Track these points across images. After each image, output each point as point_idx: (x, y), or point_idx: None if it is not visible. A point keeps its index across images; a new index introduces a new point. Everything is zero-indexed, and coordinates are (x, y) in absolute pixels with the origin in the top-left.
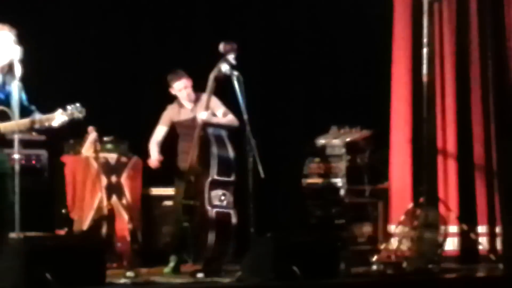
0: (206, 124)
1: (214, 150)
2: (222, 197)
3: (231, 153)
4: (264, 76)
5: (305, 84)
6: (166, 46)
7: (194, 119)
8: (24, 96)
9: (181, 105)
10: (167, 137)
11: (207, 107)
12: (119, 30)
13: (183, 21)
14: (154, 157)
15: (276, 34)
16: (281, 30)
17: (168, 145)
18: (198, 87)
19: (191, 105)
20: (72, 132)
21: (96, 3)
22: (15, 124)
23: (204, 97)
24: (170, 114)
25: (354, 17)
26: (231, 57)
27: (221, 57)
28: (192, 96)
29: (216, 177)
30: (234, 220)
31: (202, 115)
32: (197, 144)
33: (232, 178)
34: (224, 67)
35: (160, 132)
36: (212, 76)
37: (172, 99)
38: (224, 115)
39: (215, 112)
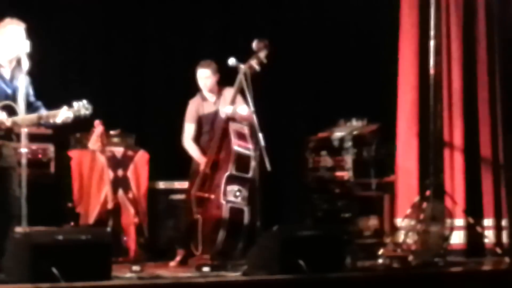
0: (230, 119)
1: (235, 145)
2: (237, 193)
3: (251, 150)
4: (270, 69)
5: (311, 77)
6: (174, 38)
7: (217, 113)
8: (31, 91)
9: (204, 98)
10: (179, 131)
11: (233, 102)
12: (126, 23)
13: (192, 12)
14: (198, 156)
15: (283, 27)
16: (287, 23)
17: (180, 139)
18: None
19: (214, 98)
20: (79, 126)
21: None
22: (20, 119)
23: (227, 91)
24: (194, 109)
25: (361, 10)
26: (262, 55)
27: (252, 53)
28: (215, 89)
29: (234, 172)
30: (246, 217)
31: (227, 109)
32: (219, 137)
33: (249, 175)
34: (251, 64)
35: (190, 129)
36: (242, 73)
37: (183, 92)
38: (247, 113)
39: (238, 109)
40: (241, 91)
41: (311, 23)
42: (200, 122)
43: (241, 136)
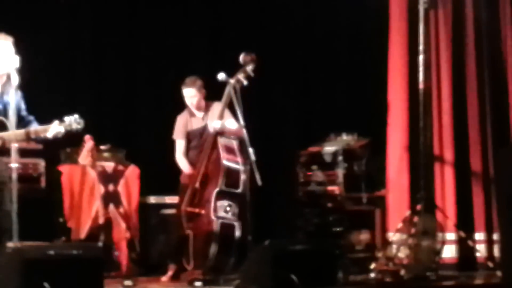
0: (218, 133)
1: (224, 159)
2: (228, 208)
3: (241, 165)
4: (261, 84)
5: (301, 92)
6: (164, 54)
7: (205, 128)
8: (23, 106)
9: (191, 114)
10: (170, 145)
11: (221, 116)
12: (116, 38)
13: (182, 27)
14: (192, 172)
15: (273, 43)
16: (277, 39)
17: (171, 154)
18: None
19: (202, 113)
20: (69, 141)
21: (93, 12)
22: (11, 135)
23: (215, 106)
24: (182, 125)
25: (351, 24)
26: (249, 68)
27: (240, 67)
28: (202, 105)
29: (223, 188)
30: (237, 232)
31: (216, 124)
32: (208, 152)
33: (239, 190)
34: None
35: (181, 145)
36: (229, 87)
37: (174, 107)
38: (235, 127)
39: (226, 123)
40: (230, 105)
41: (301, 38)
42: (188, 137)
43: (230, 150)
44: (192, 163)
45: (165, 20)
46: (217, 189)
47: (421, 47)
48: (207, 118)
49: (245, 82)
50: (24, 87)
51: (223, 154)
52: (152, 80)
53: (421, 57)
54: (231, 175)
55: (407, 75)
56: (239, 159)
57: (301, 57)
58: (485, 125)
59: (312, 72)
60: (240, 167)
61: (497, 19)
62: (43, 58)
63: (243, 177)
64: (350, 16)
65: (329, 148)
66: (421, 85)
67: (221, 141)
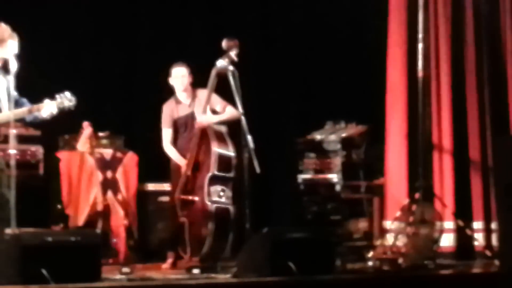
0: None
1: (214, 146)
2: (221, 193)
3: (231, 149)
4: (259, 72)
5: (300, 80)
6: (163, 40)
7: (192, 115)
8: (14, 90)
9: (178, 101)
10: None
11: (207, 103)
12: (115, 24)
13: (181, 14)
14: (178, 158)
15: (271, 30)
16: (276, 25)
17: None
18: (197, 83)
19: (189, 99)
20: (67, 128)
21: None
22: (4, 116)
23: (201, 93)
24: (169, 113)
25: (350, 12)
26: (233, 54)
27: (223, 53)
28: (189, 90)
29: (216, 172)
30: (232, 216)
31: (201, 119)
32: (197, 140)
33: (231, 174)
34: (223, 63)
35: (167, 134)
36: (214, 72)
37: (168, 95)
38: (223, 109)
39: (215, 107)
40: (229, 93)
41: (300, 25)
42: (175, 125)
43: (219, 136)
44: (181, 151)
45: (166, 8)
46: (209, 174)
47: (420, 35)
48: (194, 106)
49: (230, 68)
50: (20, 72)
51: (213, 141)
52: (151, 67)
53: (420, 45)
54: (223, 161)
55: (406, 63)
56: (229, 144)
57: (301, 45)
58: (484, 114)
59: (311, 60)
60: (231, 152)
61: (496, 7)
62: (42, 44)
63: (234, 162)
64: (349, 3)
65: (327, 136)
66: (420, 73)
67: (211, 128)
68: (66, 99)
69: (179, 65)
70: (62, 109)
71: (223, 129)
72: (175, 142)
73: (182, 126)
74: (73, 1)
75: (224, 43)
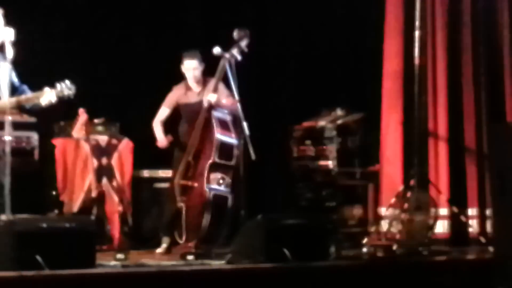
0: (212, 107)
1: (218, 133)
2: (221, 181)
3: (234, 138)
4: (254, 59)
5: (296, 67)
6: (160, 27)
7: (200, 103)
8: (14, 76)
9: (188, 87)
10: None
11: (215, 90)
12: (111, 11)
13: (181, 2)
14: (161, 138)
15: (267, 17)
16: (272, 14)
17: (167, 127)
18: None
19: (199, 88)
20: (63, 114)
21: None
22: (2, 103)
23: (212, 81)
24: (176, 96)
25: (346, 0)
26: (243, 44)
27: (234, 43)
28: (200, 79)
29: (217, 160)
30: (230, 204)
31: (211, 97)
32: (201, 126)
33: (232, 163)
34: (233, 53)
35: (163, 113)
36: (223, 62)
37: (168, 80)
38: (229, 101)
39: (221, 98)
40: (225, 80)
41: (296, 13)
42: (180, 110)
43: (223, 124)
44: (184, 137)
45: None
46: (210, 161)
47: (417, 23)
48: (203, 94)
49: (239, 57)
50: (17, 59)
51: (216, 128)
52: (147, 54)
53: (417, 33)
54: (225, 149)
55: (402, 50)
56: (232, 133)
57: (296, 32)
58: (480, 101)
59: (306, 47)
60: (233, 141)
61: None
62: (36, 31)
63: (236, 150)
64: None
65: (323, 123)
66: (416, 61)
67: (215, 114)
68: (66, 88)
69: (189, 57)
70: (62, 98)
71: (228, 117)
72: (176, 127)
73: (188, 112)
74: None
75: (236, 33)
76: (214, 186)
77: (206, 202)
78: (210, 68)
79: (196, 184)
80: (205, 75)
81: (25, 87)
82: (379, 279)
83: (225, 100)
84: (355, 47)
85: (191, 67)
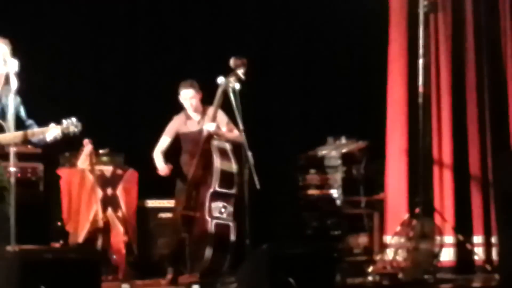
0: (211, 136)
1: (217, 162)
2: (223, 209)
3: (234, 166)
4: (260, 88)
5: (301, 96)
6: (164, 58)
7: (200, 132)
8: (23, 111)
9: (188, 117)
10: (168, 150)
11: (213, 119)
12: (115, 41)
13: (183, 34)
14: (162, 166)
15: (272, 47)
16: (276, 43)
17: (168, 157)
18: (206, 101)
19: (198, 117)
20: (68, 145)
21: (92, 15)
22: (8, 137)
23: (210, 110)
24: (176, 125)
25: (350, 28)
26: (240, 72)
27: (231, 71)
28: (199, 108)
29: (217, 189)
30: (233, 232)
31: (209, 126)
32: (201, 155)
33: (233, 191)
34: (230, 81)
35: (164, 142)
36: (220, 90)
37: (172, 110)
38: (230, 130)
39: (221, 126)
40: (229, 110)
41: (300, 41)
42: (180, 140)
43: (223, 153)
44: (186, 166)
45: (164, 25)
46: (211, 190)
47: (421, 51)
48: (203, 123)
49: (237, 86)
50: (23, 90)
51: (216, 156)
52: (151, 85)
53: (420, 61)
54: (225, 177)
55: (406, 78)
56: (232, 161)
57: (301, 60)
58: (484, 129)
59: (311, 75)
60: (233, 169)
61: (497, 24)
62: (42, 62)
63: (236, 178)
64: (350, 19)
65: (327, 152)
66: (420, 89)
67: (214, 143)
68: (72, 125)
69: (186, 86)
70: (67, 135)
71: (227, 146)
72: (178, 157)
73: (188, 141)
74: (72, 20)
75: (232, 61)
76: (216, 215)
77: (209, 232)
78: (212, 97)
79: (198, 214)
80: (205, 104)
81: (31, 121)
82: None
83: (225, 128)
84: (359, 76)
85: (188, 96)
